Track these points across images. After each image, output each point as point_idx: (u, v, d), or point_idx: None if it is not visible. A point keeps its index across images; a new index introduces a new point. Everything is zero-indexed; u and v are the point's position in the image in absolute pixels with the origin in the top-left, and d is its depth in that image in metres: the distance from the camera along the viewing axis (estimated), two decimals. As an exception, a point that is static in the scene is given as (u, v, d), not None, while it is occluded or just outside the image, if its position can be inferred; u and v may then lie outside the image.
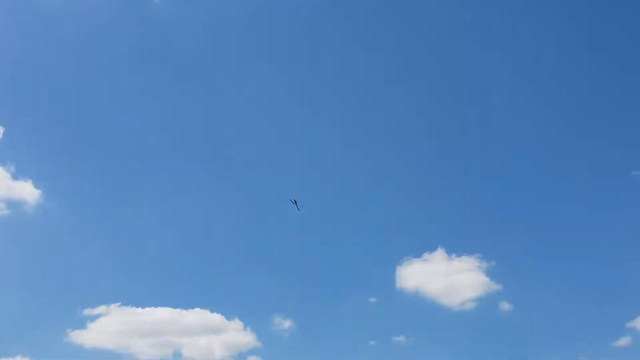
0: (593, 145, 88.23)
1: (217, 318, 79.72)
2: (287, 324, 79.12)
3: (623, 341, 72.96)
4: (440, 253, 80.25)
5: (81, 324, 77.28)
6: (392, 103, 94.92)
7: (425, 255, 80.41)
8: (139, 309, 79.22)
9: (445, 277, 79.17)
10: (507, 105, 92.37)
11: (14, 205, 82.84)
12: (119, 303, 78.70)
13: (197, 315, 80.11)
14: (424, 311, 78.71)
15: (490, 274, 78.62)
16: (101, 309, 78.12)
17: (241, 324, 78.99)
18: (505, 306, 77.73)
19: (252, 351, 77.72)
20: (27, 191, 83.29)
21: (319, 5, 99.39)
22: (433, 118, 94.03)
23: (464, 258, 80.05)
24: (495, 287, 78.17)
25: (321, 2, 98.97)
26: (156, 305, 79.57)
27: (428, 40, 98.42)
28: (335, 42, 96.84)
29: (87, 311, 77.54)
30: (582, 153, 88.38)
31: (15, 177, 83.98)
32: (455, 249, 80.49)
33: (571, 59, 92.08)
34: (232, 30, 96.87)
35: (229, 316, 79.57)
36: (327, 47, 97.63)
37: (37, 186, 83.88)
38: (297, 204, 66.73)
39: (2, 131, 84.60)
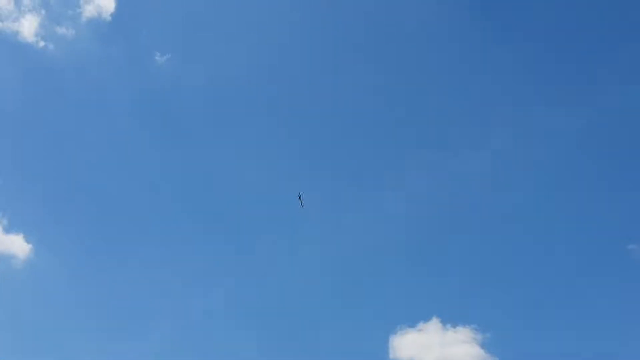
0: (589, 218, 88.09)
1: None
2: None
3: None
4: (435, 323, 78.71)
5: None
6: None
7: (420, 325, 78.87)
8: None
9: (441, 349, 77.47)
10: (503, 174, 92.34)
11: (3, 259, 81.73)
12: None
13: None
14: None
15: (486, 346, 77.17)
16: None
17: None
18: (500, 380, 76.13)
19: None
20: (18, 245, 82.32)
21: (320, 71, 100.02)
22: (424, 182, 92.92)
23: (459, 329, 78.58)
24: (491, 359, 76.68)
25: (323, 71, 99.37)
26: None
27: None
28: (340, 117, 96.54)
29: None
30: (578, 226, 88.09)
31: (7, 230, 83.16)
32: (451, 318, 79.07)
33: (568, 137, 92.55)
34: (233, 92, 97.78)
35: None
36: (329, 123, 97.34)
37: (28, 240, 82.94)
38: (301, 199, 66.09)
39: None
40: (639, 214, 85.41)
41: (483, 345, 77.10)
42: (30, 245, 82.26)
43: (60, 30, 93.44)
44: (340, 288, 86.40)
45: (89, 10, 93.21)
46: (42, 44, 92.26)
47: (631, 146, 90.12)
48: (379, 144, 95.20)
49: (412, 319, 79.12)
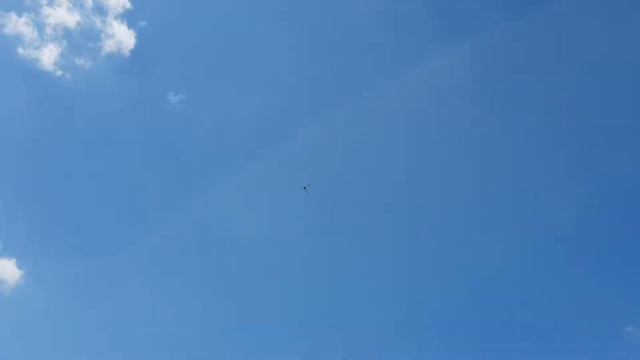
0: (587, 300, 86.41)
1: None
2: None
3: None
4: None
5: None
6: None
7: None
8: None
9: None
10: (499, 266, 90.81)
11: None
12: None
13: None
14: None
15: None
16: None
17: None
18: None
19: None
20: (9, 270, 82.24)
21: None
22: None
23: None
24: None
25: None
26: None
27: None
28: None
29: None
30: (576, 309, 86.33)
31: (0, 254, 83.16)
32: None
33: (566, 210, 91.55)
34: (241, 135, 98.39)
35: None
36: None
37: (19, 266, 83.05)
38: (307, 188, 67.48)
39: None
40: (635, 296, 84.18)
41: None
42: (21, 272, 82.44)
43: (79, 61, 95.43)
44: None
45: (109, 45, 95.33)
46: (60, 73, 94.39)
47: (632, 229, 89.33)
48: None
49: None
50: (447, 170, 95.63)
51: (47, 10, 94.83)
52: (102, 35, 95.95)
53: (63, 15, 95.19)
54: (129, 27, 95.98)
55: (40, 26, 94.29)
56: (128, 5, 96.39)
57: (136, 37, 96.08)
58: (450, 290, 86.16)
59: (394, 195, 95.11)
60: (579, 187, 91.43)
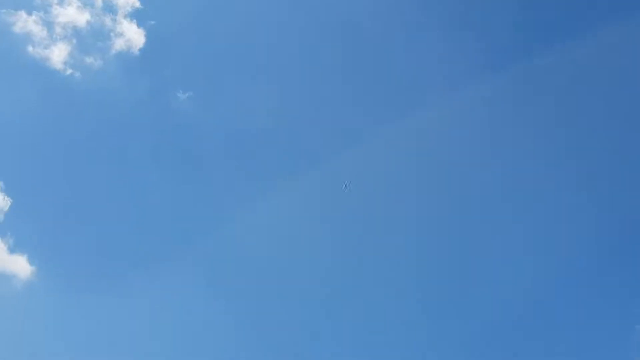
0: (598, 299, 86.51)
1: None
2: None
3: None
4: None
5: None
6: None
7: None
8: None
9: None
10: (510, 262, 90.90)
11: (5, 278, 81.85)
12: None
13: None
14: None
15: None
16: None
17: None
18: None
19: None
20: (20, 266, 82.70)
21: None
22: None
23: None
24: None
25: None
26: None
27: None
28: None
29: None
30: (587, 307, 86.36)
31: (12, 250, 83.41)
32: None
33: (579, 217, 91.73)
34: (252, 136, 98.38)
35: None
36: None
37: (31, 262, 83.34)
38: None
39: (9, 203, 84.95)
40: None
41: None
42: (33, 267, 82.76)
43: (89, 60, 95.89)
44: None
45: (118, 44, 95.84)
46: (69, 71, 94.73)
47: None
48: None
49: None
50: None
51: (57, 9, 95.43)
52: (112, 34, 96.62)
53: (73, 14, 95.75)
54: (138, 26, 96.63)
55: (49, 25, 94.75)
56: (137, 4, 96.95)
57: (145, 35, 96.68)
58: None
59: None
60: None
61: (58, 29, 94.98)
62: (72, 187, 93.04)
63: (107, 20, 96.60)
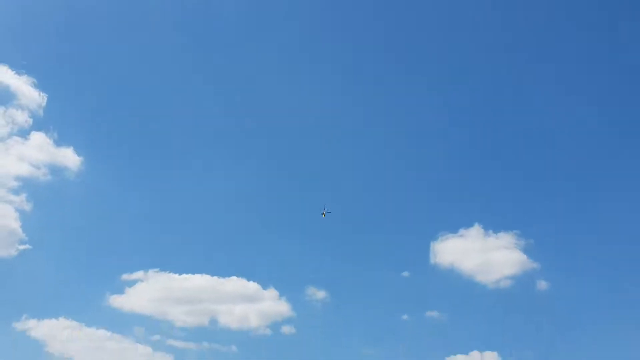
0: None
1: (253, 287, 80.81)
2: (320, 294, 79.90)
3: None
4: (476, 229, 79.38)
5: (120, 289, 79.35)
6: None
7: (461, 231, 79.72)
8: (177, 276, 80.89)
9: (481, 254, 78.29)
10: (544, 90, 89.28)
11: (57, 171, 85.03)
12: (157, 269, 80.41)
13: (234, 284, 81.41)
14: (458, 287, 78.51)
15: (528, 252, 77.63)
16: (139, 274, 79.94)
17: (276, 293, 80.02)
18: (542, 285, 76.82)
19: (287, 320, 78.83)
20: (69, 158, 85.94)
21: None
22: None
23: (501, 235, 79.19)
24: (533, 265, 77.41)
25: None
26: (193, 272, 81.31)
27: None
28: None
29: (126, 276, 79.43)
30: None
31: (58, 144, 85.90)
32: (493, 225, 79.42)
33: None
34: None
35: (264, 285, 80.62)
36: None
37: (78, 153, 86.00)
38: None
39: (45, 98, 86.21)
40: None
41: (525, 251, 77.65)
42: (80, 158, 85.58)
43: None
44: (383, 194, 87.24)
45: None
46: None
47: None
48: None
49: (454, 225, 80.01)
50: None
51: None
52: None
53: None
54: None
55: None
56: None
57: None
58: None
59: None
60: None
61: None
62: (104, 75, 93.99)
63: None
